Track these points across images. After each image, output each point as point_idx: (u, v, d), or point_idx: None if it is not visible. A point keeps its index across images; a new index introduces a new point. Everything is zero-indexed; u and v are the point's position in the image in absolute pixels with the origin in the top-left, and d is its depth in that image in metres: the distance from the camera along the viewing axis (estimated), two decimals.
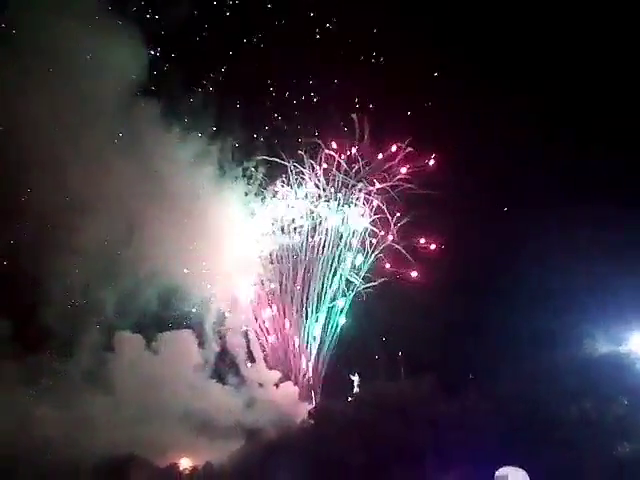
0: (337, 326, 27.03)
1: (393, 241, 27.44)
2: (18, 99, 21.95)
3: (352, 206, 28.03)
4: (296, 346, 27.23)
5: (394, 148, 27.61)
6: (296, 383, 26.71)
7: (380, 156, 27.86)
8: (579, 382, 18.58)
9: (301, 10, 25.93)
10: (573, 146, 22.69)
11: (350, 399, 24.40)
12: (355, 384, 24.96)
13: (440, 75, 26.38)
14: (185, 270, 24.87)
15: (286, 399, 25.35)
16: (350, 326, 26.42)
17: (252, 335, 27.34)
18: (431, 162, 27.17)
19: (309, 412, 22.74)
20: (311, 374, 26.72)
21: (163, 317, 24.88)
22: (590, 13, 23.56)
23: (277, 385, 26.29)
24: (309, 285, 27.87)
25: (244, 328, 27.24)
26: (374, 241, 27.75)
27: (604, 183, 22.16)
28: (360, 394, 23.84)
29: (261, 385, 26.06)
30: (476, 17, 25.70)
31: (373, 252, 27.68)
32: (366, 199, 28.10)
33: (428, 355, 22.68)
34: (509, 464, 17.42)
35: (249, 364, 26.87)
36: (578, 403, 18.45)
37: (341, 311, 27.16)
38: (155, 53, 24.32)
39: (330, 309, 27.42)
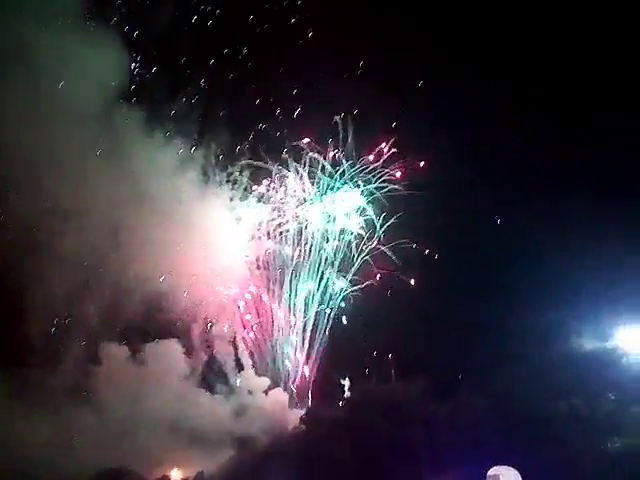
0: (325, 330, 27.10)
1: (379, 243, 27.57)
2: None
3: (337, 208, 28.08)
4: (285, 352, 27.20)
5: (378, 149, 27.70)
6: (285, 389, 26.71)
7: (365, 158, 27.91)
8: (568, 379, 18.93)
9: (284, 15, 25.96)
10: (562, 143, 22.95)
11: (341, 403, 24.44)
12: (346, 388, 25.00)
13: (424, 76, 26.48)
14: (170, 277, 24.64)
15: (276, 406, 25.32)
16: (339, 330, 26.41)
17: (240, 342, 27.27)
18: (421, 163, 27.27)
19: (301, 418, 22.72)
20: (300, 380, 26.70)
21: (149, 327, 24.67)
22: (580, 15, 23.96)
23: (266, 392, 26.24)
24: (296, 290, 27.89)
25: (231, 335, 27.17)
26: (360, 243, 27.83)
27: (592, 182, 22.54)
28: (351, 398, 23.88)
29: (250, 392, 25.98)
30: (464, 18, 25.86)
31: (360, 254, 27.76)
32: (351, 201, 28.17)
33: (418, 356, 22.82)
34: (501, 463, 17.66)
35: (237, 372, 26.80)
36: (568, 400, 18.79)
37: (329, 315, 27.23)
38: (138, 59, 24.00)
39: (318, 313, 27.48)
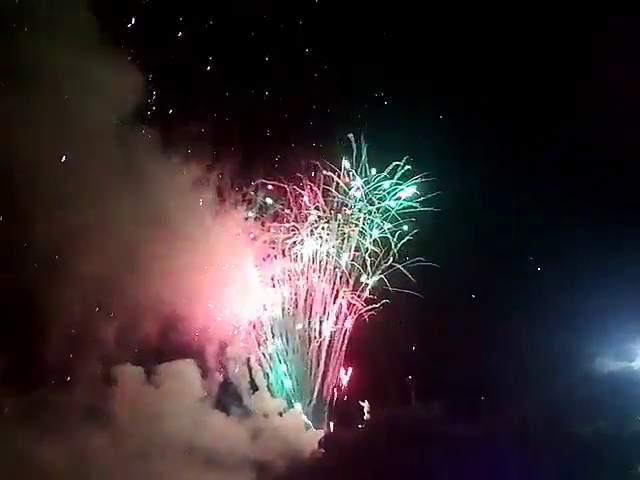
0: (341, 351, 27.23)
1: (395, 261, 27.79)
2: (14, 128, 22.36)
3: (352, 226, 28.41)
4: (301, 372, 27.34)
5: (392, 166, 28.10)
6: (302, 411, 26.77)
7: (379, 174, 28.31)
8: (592, 401, 18.85)
9: (300, 35, 26.67)
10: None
11: (361, 426, 24.44)
12: (365, 410, 25.01)
13: (438, 93, 26.95)
14: (185, 298, 24.99)
15: (293, 428, 25.37)
16: (356, 350, 26.54)
17: (254, 363, 27.46)
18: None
19: (319, 441, 22.76)
20: (317, 401, 26.78)
21: (164, 347, 24.94)
22: None
23: (281, 414, 26.31)
24: (311, 309, 28.12)
25: (246, 356, 27.38)
26: (375, 261, 28.07)
27: (609, 194, 22.67)
28: (371, 421, 23.88)
29: (266, 415, 26.08)
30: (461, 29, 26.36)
31: (375, 273, 27.98)
32: (366, 219, 28.51)
33: (438, 378, 22.86)
34: None
35: (252, 393, 26.94)
36: (592, 422, 18.71)
37: (344, 335, 27.37)
38: (154, 80, 24.70)
39: (333, 334, 27.63)
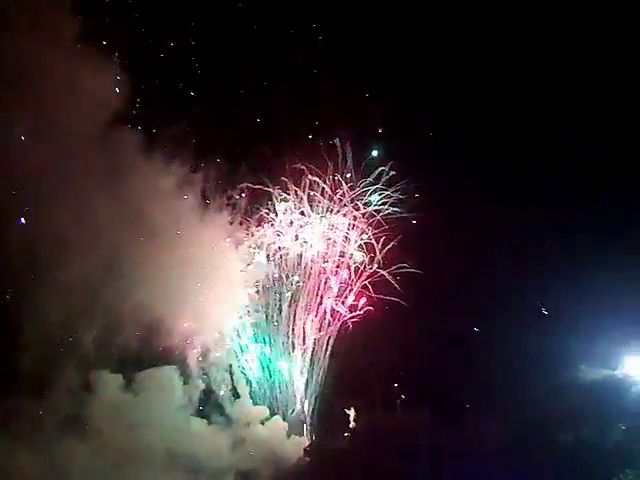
0: (325, 358, 27.34)
1: (379, 267, 28.02)
2: None
3: (337, 232, 28.59)
4: (284, 380, 27.38)
5: (378, 171, 28.36)
6: (284, 418, 26.80)
7: (364, 180, 28.54)
8: (575, 408, 19.28)
9: (283, 39, 26.83)
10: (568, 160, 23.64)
11: (346, 434, 24.57)
12: (351, 418, 25.15)
13: (421, 99, 27.34)
14: (167, 304, 24.83)
15: (276, 436, 25.39)
16: (340, 358, 26.69)
17: (236, 370, 27.43)
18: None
19: (304, 449, 22.83)
20: (301, 409, 26.84)
21: (144, 354, 24.74)
22: None
23: (263, 422, 26.30)
24: (294, 315, 28.20)
25: (228, 362, 27.32)
26: (360, 267, 28.27)
27: (598, 202, 23.13)
28: (357, 428, 24.03)
29: (248, 424, 26.05)
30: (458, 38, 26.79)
31: (359, 279, 28.20)
32: (351, 224, 28.73)
33: (423, 385, 23.13)
34: None
35: (234, 400, 26.89)
36: (576, 430, 19.14)
37: (327, 342, 27.51)
38: (136, 80, 24.55)
39: (317, 341, 27.74)
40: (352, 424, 24.64)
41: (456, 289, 24.22)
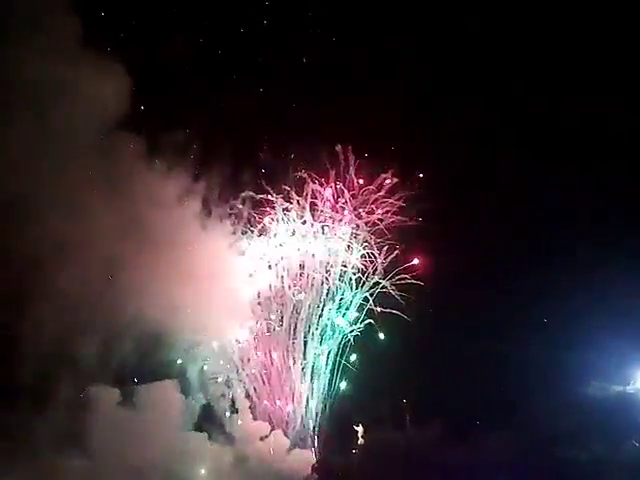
0: (326, 372, 27.52)
1: (381, 278, 28.29)
2: None
3: (340, 241, 28.86)
4: (286, 394, 27.54)
5: (380, 179, 28.69)
6: (286, 434, 26.94)
7: (367, 188, 28.85)
8: (588, 424, 19.65)
9: (283, 44, 27.19)
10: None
11: (354, 451, 24.77)
12: (359, 435, 25.36)
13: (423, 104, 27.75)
14: (167, 316, 24.96)
15: (277, 453, 25.54)
16: (345, 372, 26.94)
17: (236, 384, 27.55)
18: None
19: (312, 467, 23.01)
20: (304, 424, 27.02)
21: (144, 368, 24.85)
22: None
23: (262, 438, 26.40)
24: (295, 327, 28.40)
25: (227, 377, 27.45)
26: (362, 278, 28.52)
27: (611, 211, 23.53)
28: (365, 445, 24.24)
29: (248, 439, 26.16)
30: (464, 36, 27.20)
31: (361, 290, 28.43)
32: (353, 233, 29.02)
33: (433, 401, 23.40)
34: None
35: (233, 416, 27.00)
36: (588, 446, 19.49)
37: (327, 355, 27.71)
38: (139, 87, 24.77)
39: (317, 355, 27.94)
40: (360, 440, 24.85)
41: (465, 303, 24.48)
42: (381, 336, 26.86)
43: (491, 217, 25.83)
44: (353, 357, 27.10)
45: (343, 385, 26.91)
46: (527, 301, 23.54)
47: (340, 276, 28.57)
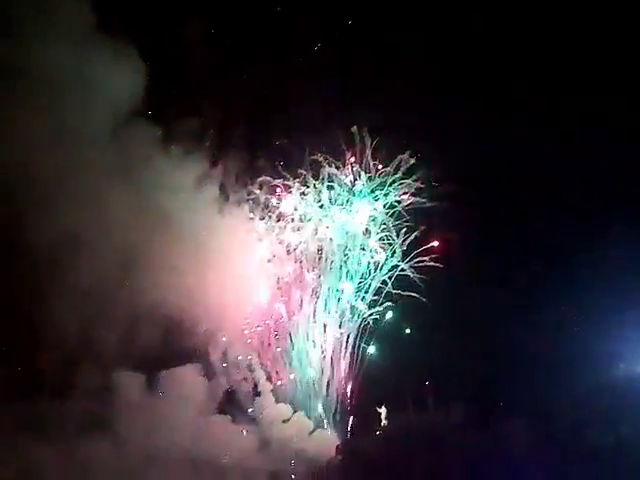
0: (346, 356, 27.67)
1: (400, 260, 28.22)
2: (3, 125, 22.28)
3: (357, 224, 28.76)
4: (308, 377, 27.80)
5: (397, 160, 28.41)
6: (308, 415, 27.25)
7: (383, 169, 28.63)
8: (615, 407, 19.52)
9: (300, 27, 26.84)
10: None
11: (378, 432, 25.00)
12: (382, 416, 25.57)
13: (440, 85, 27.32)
14: (188, 302, 25.19)
15: (300, 435, 25.86)
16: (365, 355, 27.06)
17: (258, 367, 27.86)
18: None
19: (337, 448, 23.32)
20: (325, 406, 27.29)
21: (165, 353, 25.18)
22: None
23: (284, 421, 26.73)
24: (314, 311, 28.52)
25: (250, 360, 27.75)
26: (380, 261, 28.46)
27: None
28: (389, 427, 24.44)
29: (271, 422, 26.51)
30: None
31: (380, 273, 28.38)
32: (370, 216, 28.89)
33: (456, 383, 23.45)
34: None
35: (256, 399, 27.35)
36: (616, 429, 19.41)
37: (347, 339, 27.84)
38: (153, 73, 24.67)
39: (338, 338, 28.06)
40: (383, 422, 25.07)
41: (490, 285, 24.29)
42: (407, 330, 26.74)
43: (513, 195, 25.36)
44: (372, 343, 27.08)
45: (364, 367, 26.95)
46: (553, 283, 23.27)
47: (358, 260, 28.61)
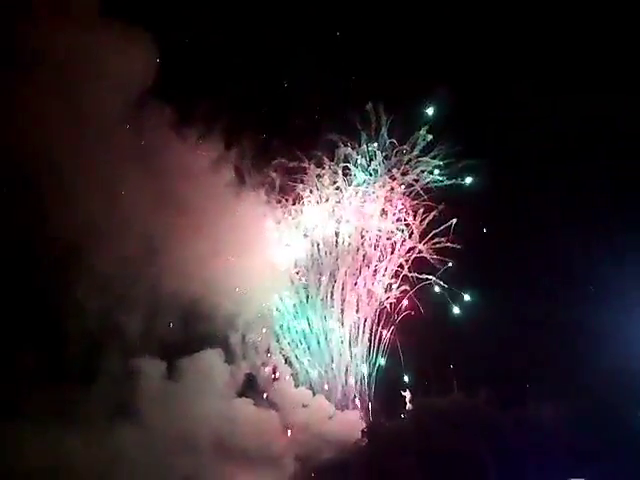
0: (365, 340, 27.87)
1: (417, 242, 28.18)
2: (20, 113, 22.33)
3: (374, 205, 28.67)
4: (326, 361, 28.08)
5: (413, 138, 28.13)
6: (329, 399, 27.56)
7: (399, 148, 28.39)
8: None
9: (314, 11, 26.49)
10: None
11: (403, 416, 25.30)
12: (407, 400, 25.85)
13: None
14: (207, 286, 25.35)
15: (322, 418, 26.22)
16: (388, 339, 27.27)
17: (277, 352, 28.15)
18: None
19: (362, 431, 23.67)
20: (344, 391, 27.60)
21: (187, 338, 25.47)
22: None
23: (305, 405, 27.06)
24: (332, 295, 28.65)
25: (269, 345, 28.03)
26: (398, 243, 28.44)
27: None
28: (414, 410, 24.72)
29: (292, 406, 26.88)
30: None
31: (397, 256, 28.38)
32: (387, 197, 28.79)
33: (481, 366, 23.59)
34: (574, 476, 18.55)
35: (276, 383, 27.69)
36: None
37: (364, 324, 27.99)
38: (167, 55, 24.54)
39: (356, 322, 28.22)
40: (408, 406, 25.35)
41: (514, 268, 24.21)
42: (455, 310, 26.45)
43: (539, 173, 25.05)
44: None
45: (386, 351, 27.21)
46: (581, 264, 23.12)
47: (375, 242, 28.60)
